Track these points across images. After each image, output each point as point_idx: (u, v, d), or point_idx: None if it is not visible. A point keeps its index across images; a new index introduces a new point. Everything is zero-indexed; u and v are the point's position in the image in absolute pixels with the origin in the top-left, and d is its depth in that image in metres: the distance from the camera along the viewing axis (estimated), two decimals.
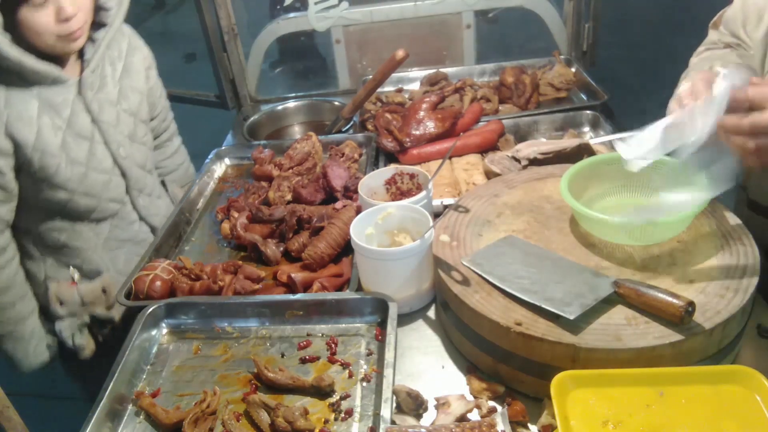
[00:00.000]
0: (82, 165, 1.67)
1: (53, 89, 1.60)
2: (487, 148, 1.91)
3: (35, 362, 1.78)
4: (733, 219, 1.26)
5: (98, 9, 1.65)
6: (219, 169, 2.08)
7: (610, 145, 1.81)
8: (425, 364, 1.26)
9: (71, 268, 1.78)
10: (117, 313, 1.83)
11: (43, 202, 1.66)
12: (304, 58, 2.74)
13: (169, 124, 2.10)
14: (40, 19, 1.47)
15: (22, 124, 1.54)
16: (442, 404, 1.12)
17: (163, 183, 2.07)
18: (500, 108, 2.18)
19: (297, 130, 2.45)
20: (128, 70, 1.81)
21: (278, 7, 2.45)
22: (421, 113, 1.96)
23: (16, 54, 1.48)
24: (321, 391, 1.17)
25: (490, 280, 1.19)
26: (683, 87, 1.18)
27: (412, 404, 1.12)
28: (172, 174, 2.13)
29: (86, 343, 1.81)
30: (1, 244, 1.65)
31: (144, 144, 1.87)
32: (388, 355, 1.17)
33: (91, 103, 1.67)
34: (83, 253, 1.78)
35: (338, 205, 1.67)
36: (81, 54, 1.67)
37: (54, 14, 1.48)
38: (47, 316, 1.79)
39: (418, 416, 1.13)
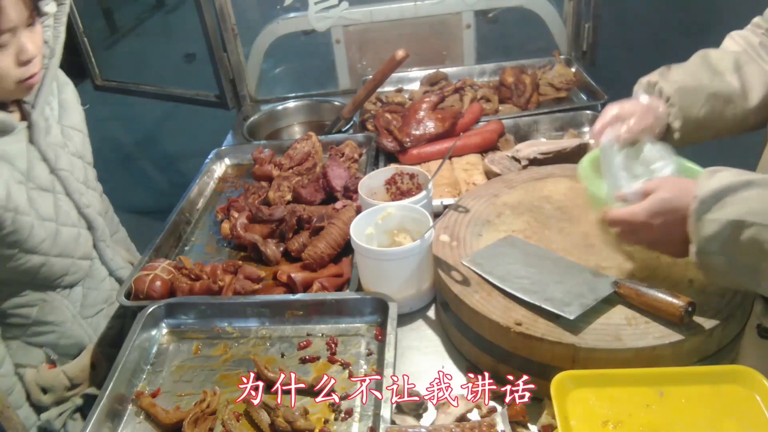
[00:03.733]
0: (53, 221, 1.44)
1: (3, 140, 1.37)
2: (487, 148, 1.91)
3: None
4: None
5: None
6: (219, 169, 2.08)
7: None
8: (425, 364, 1.26)
9: (44, 348, 1.53)
10: None
11: (12, 273, 1.41)
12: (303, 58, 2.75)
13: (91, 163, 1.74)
14: (5, 63, 1.29)
15: None
16: (442, 404, 1.12)
17: None
18: (500, 108, 2.18)
19: (297, 130, 2.45)
20: (65, 108, 1.57)
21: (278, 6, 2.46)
22: (421, 113, 1.96)
23: None
24: (321, 391, 1.17)
25: (490, 280, 1.19)
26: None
27: (412, 404, 1.12)
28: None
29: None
30: None
31: (95, 190, 1.64)
32: (388, 355, 1.17)
33: (47, 151, 1.45)
34: (59, 328, 1.52)
35: (338, 205, 1.67)
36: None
37: (14, 56, 1.30)
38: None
39: (418, 416, 1.13)
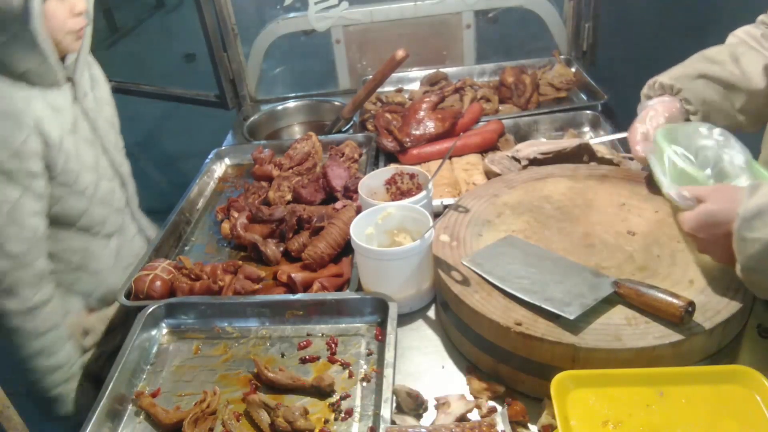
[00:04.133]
0: (94, 171, 1.63)
1: (52, 93, 1.53)
2: (487, 148, 1.91)
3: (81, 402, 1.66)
4: None
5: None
6: (219, 169, 2.08)
7: (611, 145, 1.81)
8: (425, 364, 1.26)
9: (82, 296, 1.70)
10: None
11: (62, 214, 1.58)
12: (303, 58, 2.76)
13: None
14: (62, 12, 1.46)
15: (47, 124, 1.48)
16: (442, 404, 1.12)
17: None
18: (500, 108, 2.18)
19: (297, 130, 2.45)
20: (96, 81, 1.75)
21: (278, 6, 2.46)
22: (421, 113, 1.96)
23: (48, 48, 1.45)
24: (321, 391, 1.17)
25: (490, 280, 1.19)
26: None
27: (412, 404, 1.12)
28: None
29: None
30: (41, 268, 1.53)
31: (124, 156, 1.83)
32: (388, 355, 1.17)
33: (88, 110, 1.64)
34: (98, 276, 1.71)
35: (338, 205, 1.67)
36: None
37: (68, 8, 1.48)
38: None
39: (418, 416, 1.13)
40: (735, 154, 1.18)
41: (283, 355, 1.28)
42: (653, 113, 1.32)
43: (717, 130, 1.22)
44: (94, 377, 1.69)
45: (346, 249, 1.56)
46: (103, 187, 1.66)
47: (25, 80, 1.48)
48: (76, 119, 1.59)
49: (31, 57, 1.45)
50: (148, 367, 1.29)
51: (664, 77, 1.31)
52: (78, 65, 1.60)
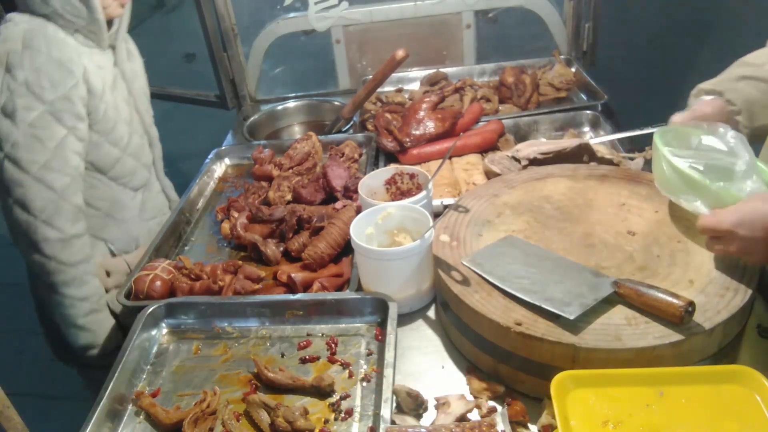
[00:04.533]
0: (129, 125, 1.81)
1: (96, 54, 1.71)
2: (487, 148, 1.91)
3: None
4: None
5: None
6: (219, 169, 2.08)
7: (611, 145, 1.81)
8: (425, 364, 1.26)
9: (107, 242, 1.85)
10: None
11: (96, 161, 1.75)
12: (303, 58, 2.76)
13: None
14: None
15: (92, 76, 1.66)
16: (442, 404, 1.12)
17: None
18: (500, 108, 2.18)
19: (297, 130, 2.45)
20: (131, 54, 1.93)
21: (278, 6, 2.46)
22: (421, 113, 1.96)
23: (98, 7, 1.62)
24: (321, 391, 1.17)
25: (490, 280, 1.19)
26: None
27: (412, 404, 1.12)
28: None
29: None
30: (78, 203, 1.66)
31: (153, 122, 1.99)
32: (388, 355, 1.17)
33: (126, 73, 1.84)
34: (123, 225, 1.87)
35: (338, 205, 1.67)
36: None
37: None
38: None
39: (418, 416, 1.13)
40: (740, 153, 1.18)
41: (283, 355, 1.28)
42: (692, 115, 1.31)
43: (721, 131, 1.22)
44: (116, 317, 1.82)
45: (346, 249, 1.56)
46: (135, 142, 1.84)
47: (76, 37, 1.66)
48: (115, 79, 1.79)
49: (84, 15, 1.63)
50: (148, 367, 1.29)
51: (705, 84, 1.33)
52: (119, 35, 1.80)
